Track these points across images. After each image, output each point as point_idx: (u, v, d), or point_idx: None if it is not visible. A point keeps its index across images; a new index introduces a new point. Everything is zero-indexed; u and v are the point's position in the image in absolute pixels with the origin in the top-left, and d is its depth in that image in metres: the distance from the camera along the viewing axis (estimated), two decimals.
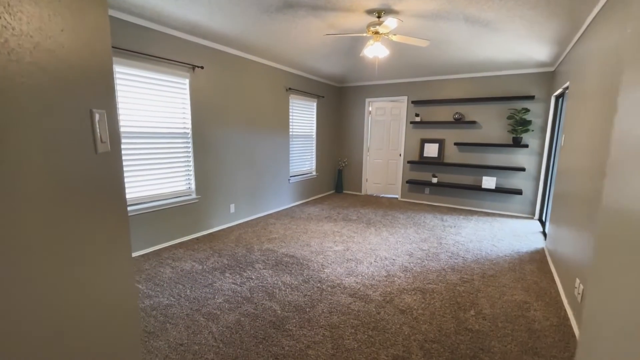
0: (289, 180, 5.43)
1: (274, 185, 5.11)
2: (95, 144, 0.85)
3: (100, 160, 0.88)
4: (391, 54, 4.30)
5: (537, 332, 2.11)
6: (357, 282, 2.76)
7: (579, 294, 2.11)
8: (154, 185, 3.39)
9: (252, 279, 2.79)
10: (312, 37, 3.82)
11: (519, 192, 4.91)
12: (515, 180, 5.10)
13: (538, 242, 3.89)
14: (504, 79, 5.01)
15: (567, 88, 3.61)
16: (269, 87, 4.76)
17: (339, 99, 6.71)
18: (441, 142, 5.66)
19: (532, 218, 5.00)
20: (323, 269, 3.02)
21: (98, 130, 0.85)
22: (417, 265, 3.14)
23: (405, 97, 5.94)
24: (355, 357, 1.84)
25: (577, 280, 2.17)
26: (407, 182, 5.94)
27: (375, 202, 5.99)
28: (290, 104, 5.26)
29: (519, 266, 3.16)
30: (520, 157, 5.03)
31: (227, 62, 4.03)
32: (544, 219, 4.64)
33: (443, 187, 5.70)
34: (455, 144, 5.42)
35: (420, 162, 5.80)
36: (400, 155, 6.23)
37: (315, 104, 5.92)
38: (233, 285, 2.67)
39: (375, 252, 3.46)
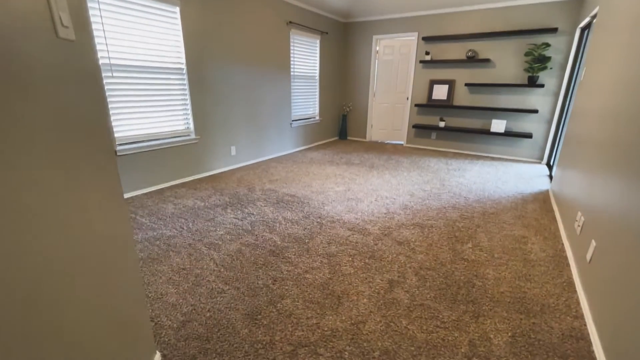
0: (291, 124, 5.29)
1: (276, 129, 4.99)
2: (54, 24, 0.75)
3: (63, 48, 0.79)
4: None
5: (532, 262, 2.14)
6: (356, 218, 2.78)
7: (579, 226, 2.09)
8: (151, 124, 3.31)
9: (253, 214, 2.83)
10: None
11: (528, 135, 4.73)
12: (526, 124, 4.90)
13: (543, 185, 3.83)
14: (525, 9, 4.54)
15: (595, 16, 3.26)
16: (268, 20, 4.41)
17: (344, 36, 6.26)
18: (451, 83, 5.35)
19: (540, 163, 4.89)
20: (323, 206, 3.04)
21: (56, 9, 0.75)
22: (417, 204, 3.14)
23: (416, 34, 5.50)
24: (351, 281, 1.90)
25: (579, 214, 2.14)
26: (413, 126, 5.76)
27: (380, 148, 5.88)
28: (291, 40, 4.92)
29: (521, 205, 3.15)
30: (534, 99, 4.76)
31: None
32: (552, 163, 4.54)
33: (450, 132, 5.53)
34: (467, 84, 5.12)
35: (428, 105, 5.56)
36: (407, 99, 5.96)
37: (318, 40, 5.53)
38: (234, 220, 2.71)
39: (377, 192, 3.45)
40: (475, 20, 4.93)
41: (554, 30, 4.33)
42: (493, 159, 5.12)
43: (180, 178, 3.70)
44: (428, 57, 5.39)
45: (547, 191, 3.61)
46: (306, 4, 5.01)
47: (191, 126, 3.70)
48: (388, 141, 6.52)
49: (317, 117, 5.98)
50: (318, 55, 5.62)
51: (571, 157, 2.84)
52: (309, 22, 5.21)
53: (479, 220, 2.78)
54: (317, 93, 5.85)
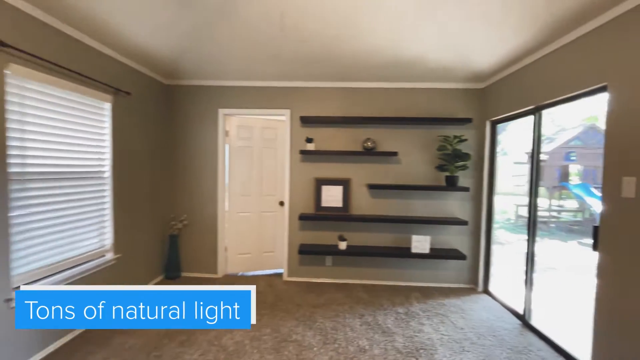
0: None
1: None
2: None
3: None
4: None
5: None
6: None
7: None
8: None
9: None
10: None
11: (462, 256, 3.37)
12: (450, 237, 3.58)
13: None
14: (429, 93, 3.52)
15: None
16: None
17: (169, 107, 3.71)
18: (346, 184, 3.62)
19: (474, 289, 3.54)
20: None
21: None
22: None
23: (287, 112, 3.65)
24: None
25: None
26: (300, 252, 3.53)
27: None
28: (10, 91, 1.95)
29: None
30: (456, 205, 3.56)
31: None
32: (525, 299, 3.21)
33: (354, 257, 3.60)
34: (370, 186, 3.50)
35: (317, 216, 3.55)
36: (282, 204, 3.80)
37: (108, 106, 2.74)
38: None
39: None
40: (372, 100, 3.56)
41: (467, 120, 3.37)
42: (425, 291, 3.42)
43: None
44: (311, 146, 3.54)
45: None
46: (59, 20, 2.30)
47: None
48: (256, 272, 3.98)
49: (110, 255, 2.83)
50: (109, 133, 2.77)
51: None
52: (84, 68, 2.43)
53: None
54: (110, 207, 2.82)
